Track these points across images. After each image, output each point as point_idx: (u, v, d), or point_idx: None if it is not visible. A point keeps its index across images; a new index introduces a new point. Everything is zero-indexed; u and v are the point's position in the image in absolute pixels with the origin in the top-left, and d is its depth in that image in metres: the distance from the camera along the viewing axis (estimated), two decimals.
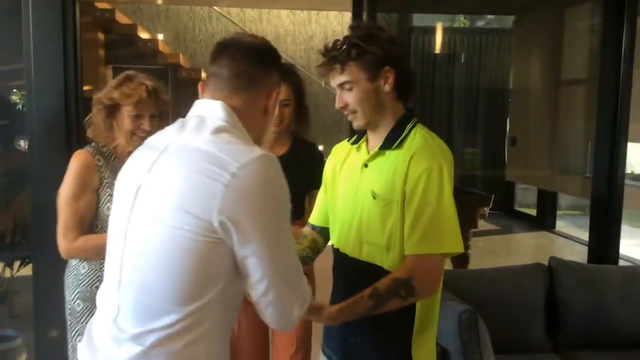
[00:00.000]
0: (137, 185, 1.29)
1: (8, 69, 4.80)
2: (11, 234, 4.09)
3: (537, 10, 7.13)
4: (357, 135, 1.82)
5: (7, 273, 4.10)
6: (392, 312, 1.61)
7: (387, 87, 1.66)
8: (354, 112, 1.69)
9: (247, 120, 1.35)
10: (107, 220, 2.06)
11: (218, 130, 1.27)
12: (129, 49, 8.35)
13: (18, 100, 5.11)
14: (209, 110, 1.33)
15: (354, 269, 1.73)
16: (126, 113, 2.15)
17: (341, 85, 1.67)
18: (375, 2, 3.94)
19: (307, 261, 1.88)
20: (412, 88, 1.74)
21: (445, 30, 9.30)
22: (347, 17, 9.03)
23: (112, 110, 2.16)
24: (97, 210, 2.14)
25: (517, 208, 9.42)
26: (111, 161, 2.19)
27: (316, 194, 2.48)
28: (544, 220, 8.25)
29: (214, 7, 9.05)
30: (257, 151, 1.23)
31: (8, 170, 4.62)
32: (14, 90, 5.22)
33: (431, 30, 9.11)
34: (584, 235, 4.30)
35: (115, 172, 2.09)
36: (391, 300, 1.58)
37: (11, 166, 4.83)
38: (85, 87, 3.46)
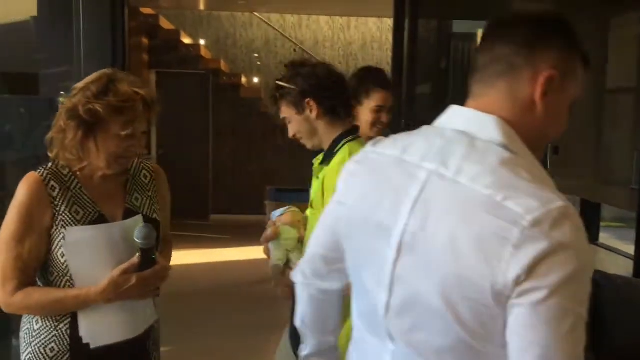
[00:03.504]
0: (402, 228, 0.99)
1: (57, 71, 4.91)
2: None
3: (581, 18, 7.00)
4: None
5: None
6: None
7: (314, 116, 1.88)
8: (300, 139, 1.95)
9: (529, 130, 1.02)
10: (63, 268, 1.58)
11: (502, 165, 0.94)
12: (172, 54, 8.50)
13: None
14: (477, 128, 0.99)
15: None
16: (113, 132, 1.57)
17: (284, 120, 1.96)
18: (417, 9, 3.94)
19: None
20: (339, 110, 1.91)
21: None
22: (387, 23, 9.09)
23: (92, 126, 1.57)
24: (50, 255, 1.60)
25: None
26: (72, 189, 1.61)
27: None
28: (588, 232, 8.01)
29: (255, 13, 9.15)
30: (556, 200, 0.93)
31: None
32: (62, 92, 5.34)
33: (471, 37, 9.03)
34: (628, 249, 4.20)
35: (74, 204, 1.60)
36: None
37: None
38: None
